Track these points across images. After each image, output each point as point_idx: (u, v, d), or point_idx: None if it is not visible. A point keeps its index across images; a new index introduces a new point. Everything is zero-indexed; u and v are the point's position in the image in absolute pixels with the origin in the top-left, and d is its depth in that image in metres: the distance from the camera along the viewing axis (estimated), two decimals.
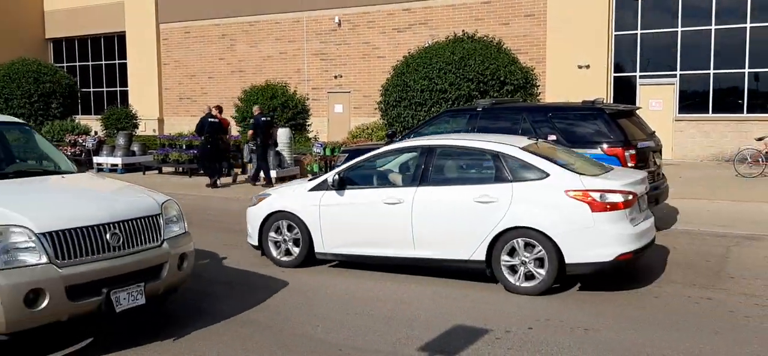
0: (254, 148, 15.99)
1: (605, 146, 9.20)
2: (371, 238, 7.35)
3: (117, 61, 31.82)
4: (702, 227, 10.00)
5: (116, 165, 19.07)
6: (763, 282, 7.07)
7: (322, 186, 7.70)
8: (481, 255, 6.80)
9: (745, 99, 19.53)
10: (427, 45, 17.50)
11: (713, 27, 19.68)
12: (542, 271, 6.56)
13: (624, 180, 6.84)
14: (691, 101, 20.11)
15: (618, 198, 6.57)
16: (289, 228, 7.82)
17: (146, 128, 27.74)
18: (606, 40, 20.60)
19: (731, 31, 19.49)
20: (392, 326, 5.79)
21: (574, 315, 6.04)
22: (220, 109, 16.91)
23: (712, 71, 19.84)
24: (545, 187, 6.69)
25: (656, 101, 20.22)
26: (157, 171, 18.97)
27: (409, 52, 17.44)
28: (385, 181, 7.67)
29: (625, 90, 20.77)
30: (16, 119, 7.23)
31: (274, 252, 7.94)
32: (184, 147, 18.39)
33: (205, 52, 28.26)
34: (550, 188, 6.66)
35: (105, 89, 32.42)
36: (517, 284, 6.66)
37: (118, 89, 31.84)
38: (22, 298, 4.63)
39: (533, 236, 6.58)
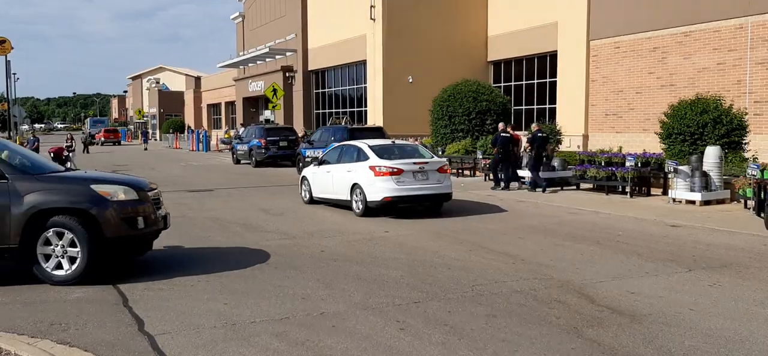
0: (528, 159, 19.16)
1: None
2: (325, 188, 15.35)
3: (547, 80, 33.07)
4: None
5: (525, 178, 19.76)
6: None
7: (316, 165, 16.05)
8: (347, 196, 14.34)
9: None
10: None
11: None
12: (362, 203, 13.88)
13: (397, 162, 13.70)
14: None
15: (386, 170, 13.46)
16: (305, 184, 16.31)
17: (571, 143, 28.10)
18: None
19: None
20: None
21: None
22: (512, 126, 20.43)
23: None
24: (366, 165, 13.84)
25: None
26: (575, 187, 19.01)
27: None
28: (328, 162, 15.54)
29: None
30: None
31: (303, 196, 16.45)
32: (602, 164, 18.01)
33: (634, 66, 27.25)
34: (366, 165, 13.82)
35: (535, 107, 34.02)
36: (358, 209, 13.98)
37: (547, 106, 33.07)
38: None
39: (357, 186, 13.96)
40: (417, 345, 5.75)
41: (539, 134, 18.95)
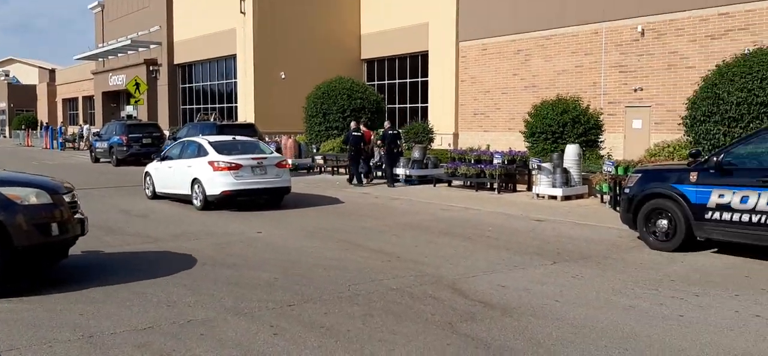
0: (380, 156, 20.28)
1: None
2: (167, 184, 15.73)
3: (420, 79, 33.77)
4: None
5: (410, 176, 20.05)
6: None
7: (159, 160, 16.33)
8: (188, 191, 14.72)
9: None
10: (745, 52, 15.11)
11: None
12: (202, 197, 14.28)
13: (235, 157, 14.25)
14: None
15: (225, 165, 14.02)
16: (149, 179, 16.50)
17: (442, 142, 28.87)
18: None
19: None
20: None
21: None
22: (364, 123, 21.80)
23: None
24: (205, 160, 14.31)
25: None
26: (446, 184, 19.48)
27: (723, 61, 15.26)
28: (170, 158, 15.86)
29: None
30: None
31: (146, 191, 16.66)
32: (472, 161, 18.58)
33: (500, 68, 28.45)
34: (205, 160, 14.29)
35: (408, 105, 34.64)
36: (198, 203, 14.40)
37: (419, 105, 33.78)
38: None
39: (197, 181, 14.39)
40: (292, 349, 5.52)
41: (390, 132, 20.04)
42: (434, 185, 19.39)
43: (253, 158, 14.48)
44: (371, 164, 20.99)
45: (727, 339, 5.75)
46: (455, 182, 19.34)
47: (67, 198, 7.82)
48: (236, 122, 28.47)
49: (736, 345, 5.61)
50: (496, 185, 17.58)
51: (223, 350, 5.51)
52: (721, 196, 8.98)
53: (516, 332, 5.96)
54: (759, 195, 8.58)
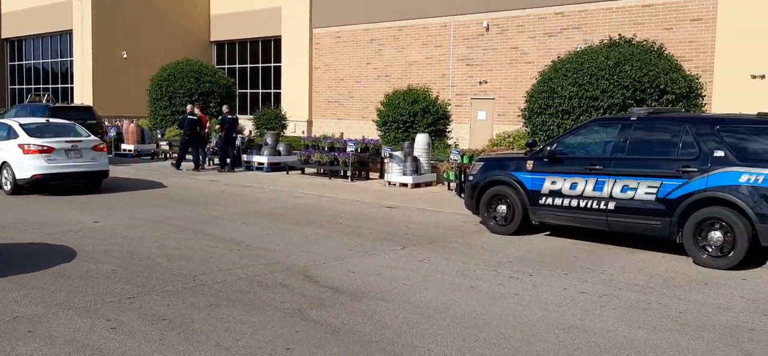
0: (217, 140, 19.91)
1: None
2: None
3: (272, 64, 33.25)
4: None
5: (262, 164, 19.70)
6: None
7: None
8: None
9: None
10: (578, 49, 16.37)
11: None
12: (12, 181, 13.85)
13: (48, 140, 13.86)
14: None
15: (36, 148, 13.58)
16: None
17: (296, 129, 28.66)
18: None
19: None
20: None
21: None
22: (201, 108, 21.08)
23: None
24: (15, 143, 13.85)
25: None
26: (300, 171, 19.36)
27: (558, 57, 16.43)
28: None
29: None
30: None
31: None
32: (326, 149, 18.61)
33: (353, 56, 28.71)
34: (15, 143, 13.83)
35: (260, 91, 34.00)
36: (8, 187, 13.94)
37: (272, 90, 33.27)
38: None
39: (6, 164, 13.96)
40: (130, 344, 5.21)
41: (229, 116, 19.89)
42: (287, 173, 19.21)
43: (67, 141, 14.17)
44: (208, 149, 20.55)
45: (556, 314, 6.19)
46: (309, 170, 19.28)
47: None
48: (71, 105, 26.45)
49: (564, 319, 6.06)
50: (349, 173, 17.74)
51: (53, 347, 5.09)
52: (553, 183, 9.66)
53: (365, 316, 6.04)
54: (586, 182, 9.33)
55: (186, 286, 6.92)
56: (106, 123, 24.44)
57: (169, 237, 9.56)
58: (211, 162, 20.70)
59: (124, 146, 23.96)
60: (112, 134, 23.78)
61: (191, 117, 19.55)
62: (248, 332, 5.55)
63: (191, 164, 19.71)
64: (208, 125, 20.67)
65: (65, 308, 6.08)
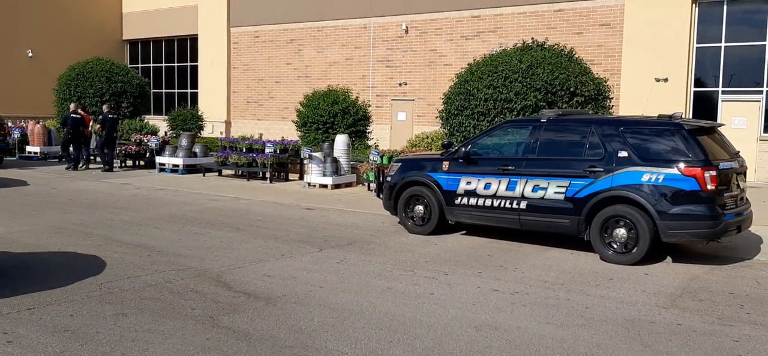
0: (98, 139, 19.70)
1: (682, 164, 8.30)
2: None
3: (189, 64, 32.41)
4: None
5: (177, 166, 19.17)
6: None
7: None
8: None
9: None
10: (493, 52, 16.77)
11: None
12: None
13: None
14: None
15: None
16: None
17: (214, 130, 28.06)
18: (686, 52, 19.31)
19: None
20: None
21: None
22: (84, 107, 21.65)
23: None
24: None
25: (740, 119, 18.77)
26: (217, 173, 18.95)
27: (474, 60, 16.77)
28: None
29: (706, 106, 19.41)
30: None
31: None
32: (244, 150, 18.29)
33: (273, 56, 28.36)
34: None
35: (176, 91, 33.08)
36: None
37: (189, 90, 32.42)
38: None
39: None
40: None
41: (110, 116, 19.67)
42: (204, 175, 18.77)
43: None
44: (91, 148, 20.36)
45: (470, 313, 6.30)
46: (226, 172, 18.90)
47: None
48: None
49: (477, 317, 6.18)
50: (268, 175, 17.51)
51: None
52: (468, 183, 9.85)
53: (279, 320, 5.95)
54: (499, 182, 9.55)
55: (91, 295, 6.62)
56: (10, 124, 23.15)
57: (74, 244, 9.12)
58: (95, 160, 20.56)
59: (29, 148, 22.76)
60: (16, 136, 22.56)
61: (74, 116, 19.59)
62: (157, 341, 5.36)
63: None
64: (90, 124, 20.50)
65: None
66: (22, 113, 28.11)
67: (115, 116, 20.33)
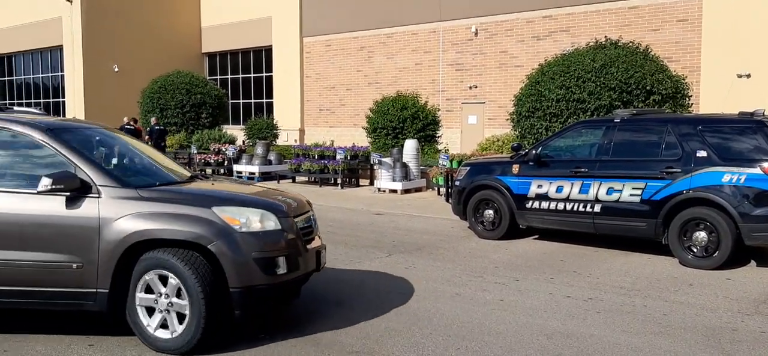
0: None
1: (766, 164, 7.89)
2: None
3: (264, 74, 33.27)
4: None
5: (253, 173, 19.70)
6: None
7: None
8: None
9: None
10: (565, 52, 16.42)
11: None
12: None
13: None
14: None
15: None
16: None
17: (288, 138, 28.66)
18: None
19: None
20: None
21: None
22: (135, 120, 23.70)
23: None
24: None
25: None
26: (291, 180, 19.36)
27: (545, 61, 16.47)
28: None
29: None
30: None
31: None
32: (316, 157, 18.61)
33: (344, 64, 28.73)
34: None
35: (253, 101, 34.00)
36: None
37: (264, 100, 33.27)
38: None
39: None
40: None
41: (156, 127, 21.99)
42: (278, 182, 19.21)
43: None
44: None
45: (540, 320, 6.19)
46: (299, 178, 19.29)
47: (299, 221, 5.89)
48: (64, 119, 26.43)
49: (549, 324, 6.06)
50: (339, 180, 17.74)
51: None
52: (539, 186, 9.67)
53: (346, 325, 6.02)
54: (572, 185, 9.34)
55: None
56: None
57: None
58: None
59: None
60: None
61: (128, 127, 21.60)
62: None
63: None
64: (143, 135, 22.38)
65: None
66: (110, 125, 29.58)
67: (162, 128, 21.90)
